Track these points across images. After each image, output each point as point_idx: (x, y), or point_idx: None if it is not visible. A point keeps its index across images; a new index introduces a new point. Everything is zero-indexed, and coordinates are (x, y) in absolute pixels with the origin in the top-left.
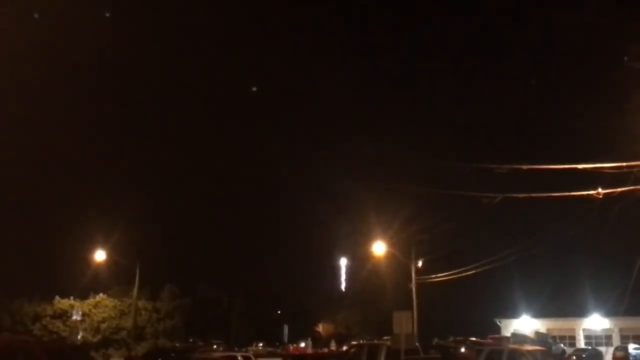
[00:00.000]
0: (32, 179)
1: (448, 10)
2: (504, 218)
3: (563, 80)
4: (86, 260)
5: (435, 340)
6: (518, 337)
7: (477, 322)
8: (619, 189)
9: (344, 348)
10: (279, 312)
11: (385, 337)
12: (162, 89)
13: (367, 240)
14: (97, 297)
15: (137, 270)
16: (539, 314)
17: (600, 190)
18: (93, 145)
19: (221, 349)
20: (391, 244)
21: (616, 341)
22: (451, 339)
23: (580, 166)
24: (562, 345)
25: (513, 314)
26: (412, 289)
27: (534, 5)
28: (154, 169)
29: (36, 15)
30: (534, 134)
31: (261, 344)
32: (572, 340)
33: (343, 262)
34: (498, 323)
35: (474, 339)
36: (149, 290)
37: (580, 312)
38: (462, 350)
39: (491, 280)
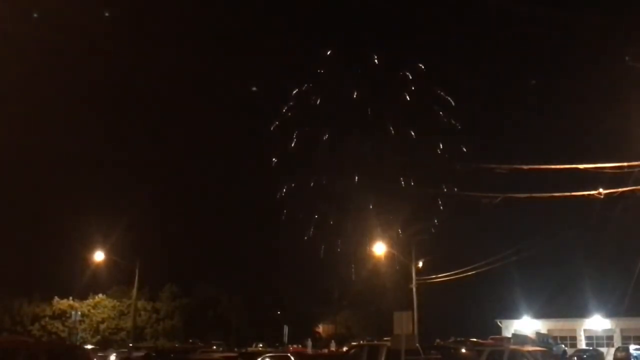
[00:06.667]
0: (32, 179)
1: (447, 10)
2: (505, 218)
3: (563, 80)
4: (85, 260)
5: (437, 341)
6: (519, 338)
7: (478, 323)
8: (620, 189)
9: (344, 349)
10: (279, 312)
11: (386, 338)
12: (162, 88)
13: (367, 240)
14: (96, 297)
15: (137, 271)
16: (540, 314)
17: (601, 190)
18: (93, 146)
19: (221, 349)
20: (391, 244)
21: (617, 342)
22: (452, 339)
23: (581, 166)
24: (563, 345)
25: (514, 314)
26: (412, 289)
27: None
28: (153, 169)
29: (36, 15)
30: (534, 134)
31: (261, 345)
32: (573, 340)
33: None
34: (499, 324)
35: (474, 339)
36: (149, 291)
37: (581, 312)
38: (463, 350)
39: (492, 280)
